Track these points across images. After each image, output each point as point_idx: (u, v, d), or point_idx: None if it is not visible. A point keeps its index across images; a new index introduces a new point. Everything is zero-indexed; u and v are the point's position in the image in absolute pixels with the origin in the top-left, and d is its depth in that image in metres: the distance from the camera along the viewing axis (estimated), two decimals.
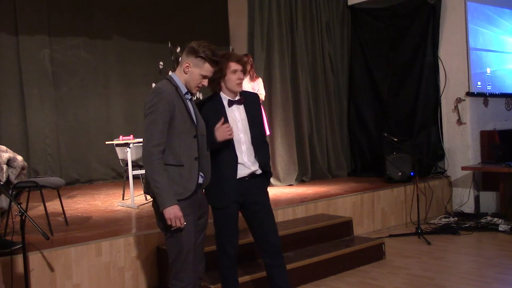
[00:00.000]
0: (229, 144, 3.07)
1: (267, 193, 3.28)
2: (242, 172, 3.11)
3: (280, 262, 3.24)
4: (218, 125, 2.99)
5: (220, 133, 2.97)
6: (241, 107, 3.16)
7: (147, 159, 2.67)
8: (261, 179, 3.22)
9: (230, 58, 3.08)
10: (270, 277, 3.25)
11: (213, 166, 3.04)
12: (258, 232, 3.22)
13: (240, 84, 3.11)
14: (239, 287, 3.36)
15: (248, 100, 3.22)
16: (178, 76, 2.83)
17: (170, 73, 2.86)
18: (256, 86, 5.95)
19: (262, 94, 5.94)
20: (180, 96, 2.76)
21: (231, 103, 3.13)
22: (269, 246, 3.20)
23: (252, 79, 6.06)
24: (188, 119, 2.76)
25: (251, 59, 6.12)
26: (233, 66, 3.07)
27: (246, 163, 3.11)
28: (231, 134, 3.00)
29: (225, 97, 3.14)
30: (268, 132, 5.99)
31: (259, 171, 3.17)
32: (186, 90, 2.82)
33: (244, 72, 3.14)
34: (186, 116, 2.75)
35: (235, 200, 3.11)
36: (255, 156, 3.16)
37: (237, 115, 3.14)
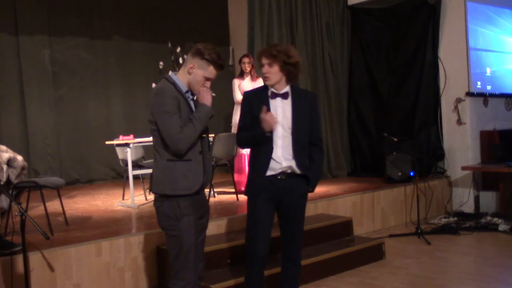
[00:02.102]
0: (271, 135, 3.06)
1: (304, 198, 3.22)
2: (273, 166, 3.07)
3: (295, 270, 3.25)
4: (263, 114, 2.99)
5: (265, 123, 2.98)
6: (287, 102, 3.12)
7: (178, 144, 2.69)
8: (300, 181, 3.14)
9: (261, 52, 3.13)
10: (282, 277, 3.29)
11: (252, 156, 3.14)
12: (282, 235, 3.23)
13: (266, 78, 3.09)
14: None
15: (300, 97, 3.17)
16: (180, 77, 2.85)
17: (170, 73, 2.88)
18: (256, 86, 5.95)
19: None
20: (180, 93, 2.79)
21: (274, 95, 3.12)
22: (288, 253, 3.22)
23: (253, 79, 6.06)
24: (190, 116, 2.79)
25: (252, 59, 6.13)
26: (261, 60, 3.10)
27: (279, 158, 3.06)
28: (276, 122, 2.99)
29: (270, 89, 3.14)
30: None
31: (298, 171, 3.11)
32: (187, 89, 2.84)
33: (271, 65, 3.06)
34: (189, 112, 2.79)
35: (265, 192, 3.06)
36: (293, 155, 3.09)
37: (279, 109, 3.10)
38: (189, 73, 2.81)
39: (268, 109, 3.06)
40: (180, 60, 7.40)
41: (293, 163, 3.09)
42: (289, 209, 3.16)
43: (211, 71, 2.81)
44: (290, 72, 3.09)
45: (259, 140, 3.07)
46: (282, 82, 3.11)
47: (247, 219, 3.18)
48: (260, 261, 3.14)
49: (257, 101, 3.12)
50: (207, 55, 2.77)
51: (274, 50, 3.04)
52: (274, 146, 3.07)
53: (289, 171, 3.10)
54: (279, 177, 3.08)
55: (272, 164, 3.07)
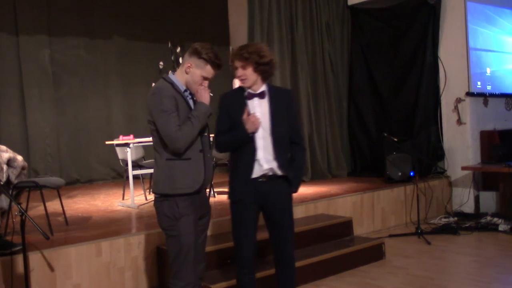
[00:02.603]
0: (252, 137, 3.01)
1: (288, 199, 3.15)
2: (255, 168, 3.01)
3: (289, 273, 3.17)
4: (245, 116, 2.96)
5: (249, 124, 2.95)
6: (264, 102, 3.07)
7: (176, 143, 2.70)
8: (282, 182, 3.08)
9: (232, 55, 3.07)
10: (276, 280, 3.23)
11: (233, 159, 3.08)
12: (271, 238, 3.16)
13: (242, 81, 3.05)
14: None
15: (276, 95, 3.12)
16: (178, 76, 2.85)
17: (169, 73, 2.88)
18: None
19: None
20: (178, 93, 2.80)
21: (250, 95, 3.07)
22: (280, 256, 3.15)
23: None
24: (188, 114, 2.79)
25: None
26: (234, 63, 3.06)
27: (261, 159, 3.01)
28: (259, 122, 2.96)
29: (246, 90, 3.10)
30: None
31: (279, 173, 3.05)
32: (185, 88, 2.85)
33: (245, 67, 3.00)
34: (188, 111, 2.79)
35: (249, 201, 3.02)
36: (274, 156, 3.04)
37: (256, 109, 3.05)
38: (187, 73, 2.82)
39: (248, 111, 3.02)
40: (180, 60, 7.39)
41: (274, 165, 3.04)
42: (275, 212, 3.10)
43: (208, 70, 2.81)
44: (265, 72, 3.04)
45: (241, 142, 3.01)
46: (258, 82, 3.06)
47: (232, 223, 3.13)
48: (249, 263, 3.11)
49: (234, 103, 3.06)
50: (204, 54, 2.77)
51: (246, 52, 2.98)
52: (257, 148, 3.02)
53: (270, 173, 3.04)
54: (260, 179, 3.03)
55: (255, 166, 3.02)
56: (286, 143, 3.11)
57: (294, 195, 3.25)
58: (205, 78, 2.83)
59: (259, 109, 3.05)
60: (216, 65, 2.82)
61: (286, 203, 3.15)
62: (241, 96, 3.08)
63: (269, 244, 3.25)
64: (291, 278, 3.19)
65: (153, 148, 2.89)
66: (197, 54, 2.79)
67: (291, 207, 3.18)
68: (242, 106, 3.03)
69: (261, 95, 3.07)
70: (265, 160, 3.02)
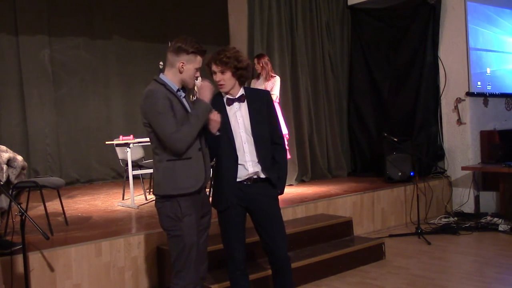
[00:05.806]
0: (231, 143, 2.99)
1: (274, 201, 3.11)
2: (240, 173, 3.01)
3: (284, 273, 3.13)
4: (211, 116, 2.89)
5: (212, 124, 2.88)
6: (244, 105, 3.06)
7: (176, 143, 2.70)
8: (267, 185, 3.06)
9: (210, 59, 3.04)
10: (274, 282, 3.21)
11: (217, 163, 3.05)
12: (262, 241, 3.13)
13: (220, 86, 3.03)
14: None
15: (254, 97, 3.11)
16: (170, 76, 2.86)
17: (160, 75, 2.90)
18: (269, 86, 5.93)
19: (273, 95, 5.79)
20: (171, 93, 2.81)
21: (230, 101, 3.07)
22: (272, 257, 3.12)
23: (267, 78, 6.02)
24: (184, 113, 2.80)
25: (265, 59, 6.07)
26: (212, 68, 3.04)
27: (247, 163, 3.01)
28: (219, 118, 2.88)
29: (225, 96, 3.09)
30: (285, 131, 5.88)
31: (262, 175, 3.05)
32: (177, 88, 2.87)
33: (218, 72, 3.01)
34: (182, 110, 2.81)
35: (235, 203, 3.02)
36: (258, 159, 3.03)
37: (238, 113, 3.05)
38: (181, 72, 2.84)
39: (226, 117, 2.99)
40: None
41: (258, 168, 3.03)
42: (263, 216, 3.06)
43: (199, 60, 2.86)
44: (242, 76, 3.04)
45: (213, 143, 2.96)
46: (236, 86, 3.06)
47: (220, 228, 3.13)
48: (241, 265, 3.11)
49: (215, 109, 3.00)
50: (191, 48, 2.81)
51: (224, 57, 2.97)
52: (241, 152, 3.01)
53: (255, 176, 3.04)
54: (245, 183, 3.02)
55: (240, 170, 3.01)
56: (268, 145, 3.10)
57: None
58: (197, 69, 2.87)
59: (240, 113, 3.05)
60: (203, 53, 2.87)
61: (273, 205, 3.12)
62: (221, 103, 3.06)
63: (260, 246, 3.21)
64: (287, 279, 3.16)
65: (152, 150, 2.89)
66: (184, 51, 2.82)
67: (279, 209, 3.15)
68: (222, 112, 2.99)
69: (240, 99, 3.07)
70: (250, 163, 3.02)
